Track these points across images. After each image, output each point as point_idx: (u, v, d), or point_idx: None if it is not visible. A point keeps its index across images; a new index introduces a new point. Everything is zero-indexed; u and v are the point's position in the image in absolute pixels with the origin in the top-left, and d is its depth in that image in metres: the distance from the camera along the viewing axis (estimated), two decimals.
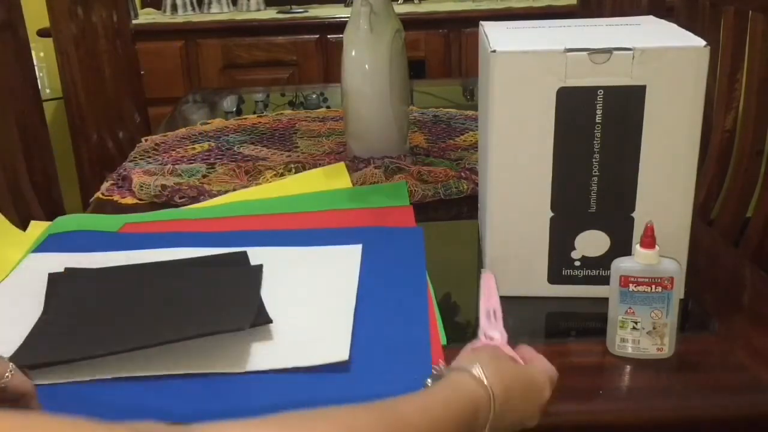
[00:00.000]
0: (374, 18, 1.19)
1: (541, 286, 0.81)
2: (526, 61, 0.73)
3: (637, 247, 0.68)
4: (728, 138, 1.35)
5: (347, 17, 1.23)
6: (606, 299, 0.71)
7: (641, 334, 0.68)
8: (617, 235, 0.78)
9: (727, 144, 1.36)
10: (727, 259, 0.95)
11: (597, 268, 0.79)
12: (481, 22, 0.86)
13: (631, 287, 0.68)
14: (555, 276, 0.80)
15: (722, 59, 1.34)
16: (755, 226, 1.23)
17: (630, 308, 0.68)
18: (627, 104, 0.73)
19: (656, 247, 0.68)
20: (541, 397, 0.60)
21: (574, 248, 0.79)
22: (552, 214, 0.78)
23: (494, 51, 0.73)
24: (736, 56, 1.31)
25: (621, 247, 0.77)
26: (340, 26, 1.37)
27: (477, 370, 0.56)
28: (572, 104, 0.73)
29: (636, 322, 0.68)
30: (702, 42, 0.73)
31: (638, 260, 0.68)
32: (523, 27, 0.84)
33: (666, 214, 0.76)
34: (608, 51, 0.72)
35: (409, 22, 1.74)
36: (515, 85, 0.74)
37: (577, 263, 0.80)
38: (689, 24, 1.40)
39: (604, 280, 0.73)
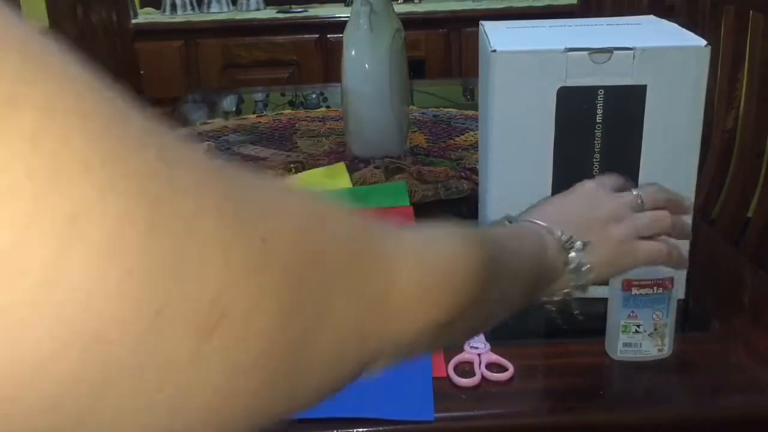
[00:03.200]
0: (374, 18, 1.19)
1: None
2: (527, 61, 0.73)
3: None
4: (729, 138, 1.35)
5: (347, 17, 1.23)
6: (603, 299, 0.70)
7: (643, 337, 0.68)
8: None
9: (727, 144, 1.36)
10: (727, 259, 0.95)
11: None
12: (482, 22, 0.86)
13: (634, 290, 0.67)
14: None
15: (722, 59, 1.34)
16: (756, 226, 1.23)
17: (633, 312, 0.68)
18: (627, 104, 0.73)
19: None
20: (631, 257, 0.57)
21: None
22: None
23: (494, 51, 0.73)
24: (737, 56, 1.31)
25: None
26: (340, 26, 1.37)
27: (534, 217, 0.55)
28: (573, 104, 0.73)
29: (638, 326, 0.68)
30: (702, 42, 0.73)
31: None
32: (523, 27, 0.84)
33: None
34: (609, 51, 0.72)
35: (409, 22, 1.74)
36: (515, 84, 0.74)
37: None
38: (689, 24, 1.40)
39: (606, 281, 0.73)
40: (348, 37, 1.21)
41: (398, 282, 0.33)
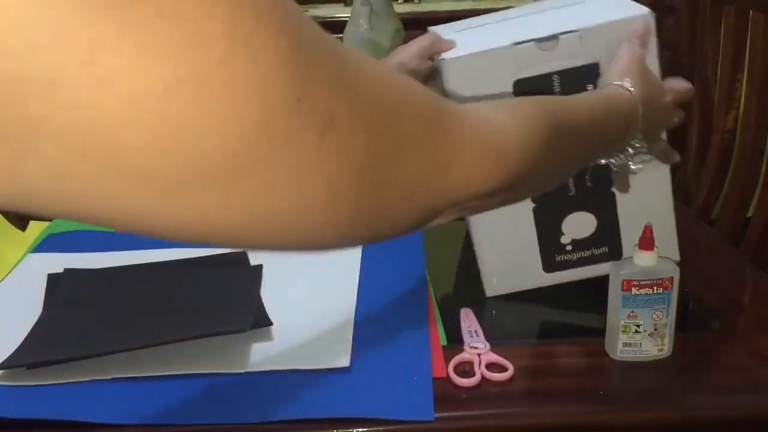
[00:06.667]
0: (374, 18, 1.19)
1: (538, 277, 0.81)
2: (477, 62, 0.73)
3: (636, 250, 0.68)
4: (729, 138, 1.35)
5: (347, 17, 1.23)
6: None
7: (643, 337, 0.68)
8: (602, 212, 0.78)
9: (727, 144, 1.35)
10: (727, 259, 0.95)
11: (589, 249, 0.79)
12: (429, 28, 0.85)
13: (634, 291, 0.67)
14: (549, 264, 0.80)
15: (723, 59, 1.34)
16: (756, 226, 1.23)
17: (632, 312, 0.68)
18: (584, 83, 0.73)
19: (655, 248, 0.68)
20: (669, 120, 0.74)
21: (562, 233, 0.79)
22: (534, 206, 0.78)
23: (443, 59, 0.73)
24: (737, 56, 1.31)
25: (608, 224, 0.78)
26: (340, 26, 1.37)
27: (628, 83, 0.66)
28: (530, 93, 0.72)
29: (638, 326, 0.68)
30: (646, 9, 0.73)
31: (638, 263, 0.68)
32: (469, 27, 0.83)
33: (646, 184, 0.76)
34: (554, 37, 0.72)
35: (409, 22, 1.73)
36: (471, 86, 0.73)
37: (569, 247, 0.80)
38: (690, 24, 1.40)
39: (598, 259, 0.75)
40: (348, 37, 1.21)
41: (461, 153, 0.40)
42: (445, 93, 0.73)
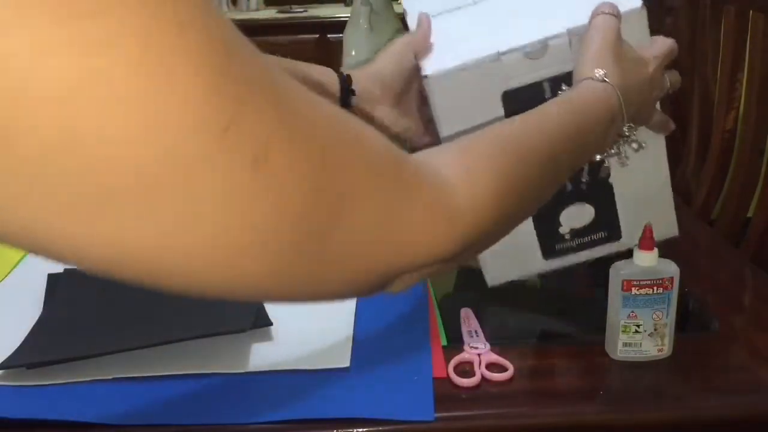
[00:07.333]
0: (374, 17, 1.19)
1: (538, 264, 0.78)
2: (462, 77, 0.69)
3: (636, 250, 0.68)
4: (729, 138, 1.35)
5: (347, 17, 1.23)
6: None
7: (643, 337, 0.68)
8: (599, 201, 0.76)
9: (727, 144, 1.35)
10: (727, 259, 0.95)
11: (588, 235, 0.78)
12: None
13: (634, 291, 0.67)
14: (549, 252, 0.78)
15: (723, 59, 1.34)
16: (756, 226, 1.23)
17: (632, 312, 0.68)
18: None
19: (655, 248, 0.67)
20: (659, 90, 0.68)
21: (560, 225, 0.77)
22: None
23: (426, 76, 0.69)
24: (737, 56, 1.31)
25: (605, 212, 0.76)
26: (340, 26, 1.37)
27: (601, 73, 0.61)
28: (521, 103, 0.67)
29: (638, 326, 0.68)
30: (638, 3, 0.68)
31: (638, 263, 0.68)
32: (446, 9, 0.77)
33: (642, 173, 0.74)
34: (543, 44, 0.68)
35: None
36: (457, 100, 0.70)
37: (567, 236, 0.78)
38: (689, 24, 1.39)
39: (597, 243, 0.74)
40: (348, 37, 1.21)
41: (412, 213, 0.36)
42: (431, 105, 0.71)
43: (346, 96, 0.74)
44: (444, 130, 0.72)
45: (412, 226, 0.36)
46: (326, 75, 0.74)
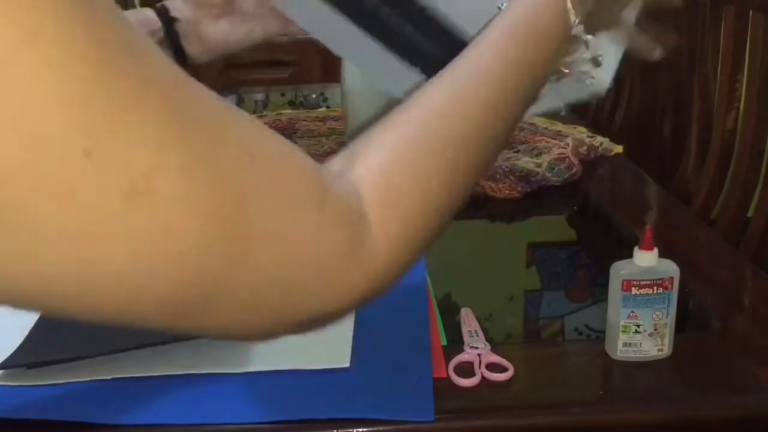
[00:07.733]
0: None
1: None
2: None
3: (636, 250, 0.68)
4: (729, 138, 1.35)
5: None
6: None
7: (643, 337, 0.68)
8: None
9: (727, 144, 1.35)
10: (727, 259, 0.95)
11: None
12: None
13: (634, 291, 0.67)
14: None
15: (723, 59, 1.34)
16: (756, 226, 1.23)
17: (632, 312, 0.68)
18: None
19: (655, 248, 0.67)
20: None
21: None
22: None
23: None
24: (737, 56, 1.31)
25: None
26: None
27: None
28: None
29: (638, 326, 0.68)
30: None
31: (638, 263, 0.68)
32: None
33: None
34: None
35: None
36: None
37: None
38: (689, 24, 1.39)
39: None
40: None
41: (331, 258, 0.32)
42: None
43: (170, 27, 0.71)
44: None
45: (323, 274, 0.33)
46: (142, 14, 0.70)
